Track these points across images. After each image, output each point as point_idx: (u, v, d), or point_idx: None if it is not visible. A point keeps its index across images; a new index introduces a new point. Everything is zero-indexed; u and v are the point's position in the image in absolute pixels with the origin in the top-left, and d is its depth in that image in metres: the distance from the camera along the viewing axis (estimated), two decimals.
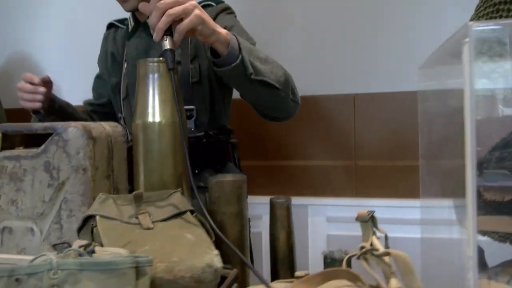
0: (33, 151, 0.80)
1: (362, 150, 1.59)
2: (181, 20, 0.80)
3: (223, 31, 0.86)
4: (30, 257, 0.77)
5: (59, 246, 0.55)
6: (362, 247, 0.54)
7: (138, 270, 0.50)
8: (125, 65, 1.20)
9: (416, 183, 1.65)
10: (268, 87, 0.93)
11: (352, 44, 1.59)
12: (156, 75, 0.80)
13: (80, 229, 0.66)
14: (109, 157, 0.84)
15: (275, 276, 0.75)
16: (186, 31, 0.81)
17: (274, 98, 0.97)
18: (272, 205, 0.76)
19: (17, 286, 0.48)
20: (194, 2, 0.82)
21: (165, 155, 0.79)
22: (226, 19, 1.11)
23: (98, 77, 1.39)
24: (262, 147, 1.44)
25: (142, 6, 0.85)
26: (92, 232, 0.61)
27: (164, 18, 0.79)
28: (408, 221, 1.52)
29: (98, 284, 0.49)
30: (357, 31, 1.59)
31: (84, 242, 0.55)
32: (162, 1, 0.79)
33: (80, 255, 0.52)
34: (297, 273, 0.60)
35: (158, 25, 0.79)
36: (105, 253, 0.53)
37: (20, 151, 0.82)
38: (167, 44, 0.79)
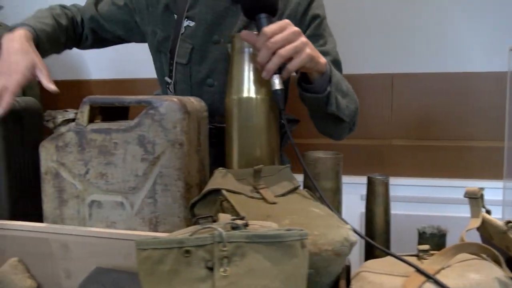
0: (125, 124, 0.79)
1: (396, 130, 1.62)
2: (291, 57, 0.76)
3: (323, 60, 0.83)
4: (127, 232, 0.78)
5: (203, 220, 0.55)
6: (508, 222, 0.56)
7: (302, 242, 0.50)
8: (185, 23, 1.04)
9: (446, 162, 1.68)
10: (337, 120, 0.93)
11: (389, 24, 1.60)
12: (252, 49, 0.79)
13: (195, 203, 0.66)
14: (198, 132, 0.83)
15: (370, 252, 0.76)
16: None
17: (337, 127, 0.97)
18: (371, 182, 0.77)
19: (187, 257, 0.48)
20: (304, 39, 0.77)
21: (260, 131, 0.79)
22: (319, 6, 1.04)
23: (126, 5, 1.13)
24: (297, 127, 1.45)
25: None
26: (221, 206, 0.61)
27: (275, 59, 0.74)
28: (441, 200, 1.56)
29: (265, 257, 0.49)
30: (397, 12, 1.60)
31: (229, 216, 0.55)
32: (273, 40, 0.74)
33: (235, 228, 0.52)
34: (420, 247, 0.62)
35: (269, 66, 0.75)
36: (255, 226, 0.54)
37: (109, 124, 0.80)
38: (276, 84, 0.76)
